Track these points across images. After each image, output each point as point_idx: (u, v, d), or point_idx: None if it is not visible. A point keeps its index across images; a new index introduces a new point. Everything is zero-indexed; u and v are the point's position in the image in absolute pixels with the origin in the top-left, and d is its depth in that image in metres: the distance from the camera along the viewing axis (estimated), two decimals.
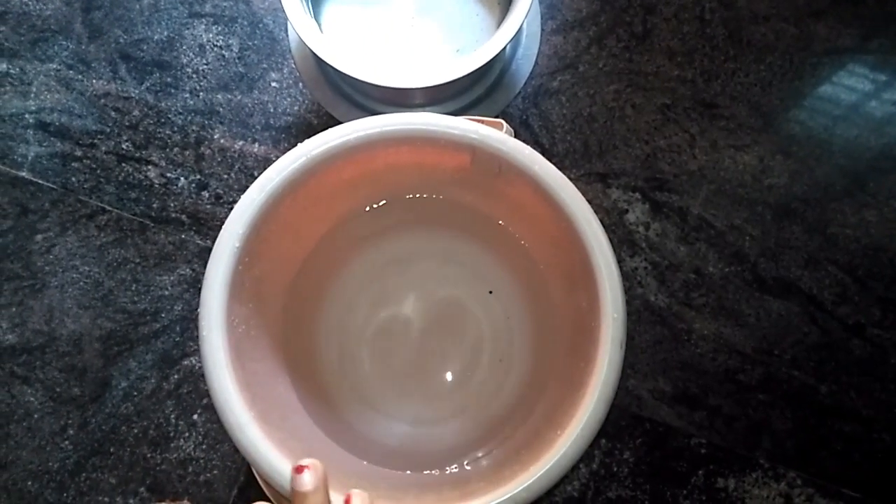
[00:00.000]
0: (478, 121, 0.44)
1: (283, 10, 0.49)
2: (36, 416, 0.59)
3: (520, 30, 0.49)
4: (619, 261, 0.61)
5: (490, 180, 0.45)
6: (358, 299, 0.51)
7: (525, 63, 0.58)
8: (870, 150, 0.62)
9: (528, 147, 0.42)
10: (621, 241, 0.61)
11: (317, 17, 0.56)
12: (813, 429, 0.58)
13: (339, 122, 0.58)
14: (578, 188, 0.61)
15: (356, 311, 0.51)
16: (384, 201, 0.52)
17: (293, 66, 0.63)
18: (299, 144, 0.42)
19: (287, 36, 0.62)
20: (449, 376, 0.51)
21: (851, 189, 0.61)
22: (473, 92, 0.57)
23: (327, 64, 0.48)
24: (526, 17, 0.49)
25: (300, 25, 0.49)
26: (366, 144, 0.43)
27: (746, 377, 0.59)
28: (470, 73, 0.48)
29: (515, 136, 0.61)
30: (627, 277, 0.60)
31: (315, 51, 0.48)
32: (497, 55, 0.49)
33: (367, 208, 0.52)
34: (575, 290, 0.44)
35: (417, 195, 0.51)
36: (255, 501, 0.31)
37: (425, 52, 0.57)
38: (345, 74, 0.49)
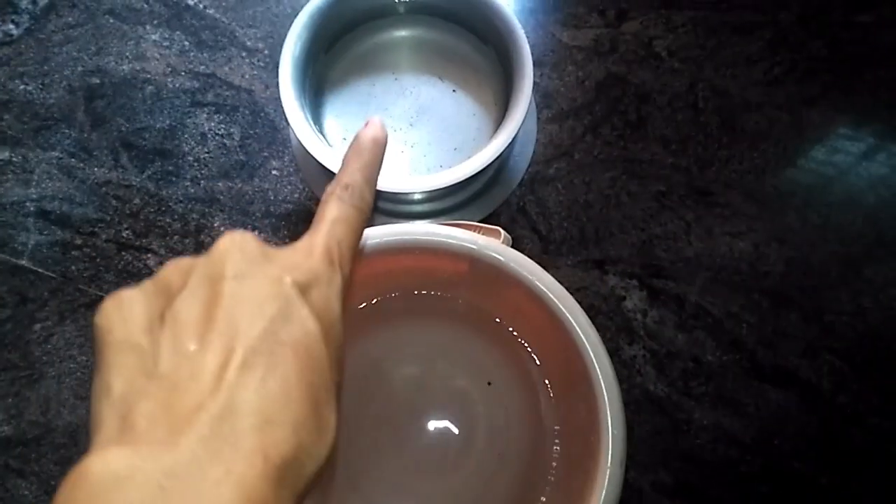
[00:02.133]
0: (476, 228, 0.45)
1: (285, 115, 0.50)
2: None
3: (517, 132, 0.50)
4: (618, 349, 0.61)
5: (488, 285, 0.46)
6: (352, 391, 0.51)
7: (522, 158, 0.59)
8: (864, 236, 0.62)
9: (526, 258, 0.43)
10: (619, 328, 0.61)
11: (317, 121, 0.57)
12: None
13: None
14: (575, 275, 0.62)
15: (351, 405, 0.51)
16: (380, 298, 0.52)
17: (294, 155, 0.64)
18: None
19: (288, 126, 0.63)
20: (446, 469, 0.51)
21: (847, 276, 0.61)
22: (472, 188, 0.58)
23: (330, 170, 0.49)
24: (523, 121, 0.49)
25: (303, 134, 0.50)
26: (363, 255, 0.43)
27: (747, 468, 0.58)
28: (467, 178, 0.49)
29: (513, 223, 0.62)
30: (626, 366, 0.60)
31: (318, 159, 0.49)
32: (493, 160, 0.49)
33: (363, 305, 0.52)
34: (574, 397, 0.44)
35: (415, 292, 0.52)
36: None
37: (424, 151, 0.58)
38: None
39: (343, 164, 0.28)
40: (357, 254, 0.27)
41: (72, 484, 0.18)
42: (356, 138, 0.28)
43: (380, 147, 0.28)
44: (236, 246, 0.23)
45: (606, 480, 0.39)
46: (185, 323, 0.21)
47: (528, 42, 0.53)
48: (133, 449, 0.18)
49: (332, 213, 0.26)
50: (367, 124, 0.28)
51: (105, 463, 0.18)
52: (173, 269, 0.24)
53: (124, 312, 0.22)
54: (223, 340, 0.21)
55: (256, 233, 0.61)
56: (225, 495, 0.18)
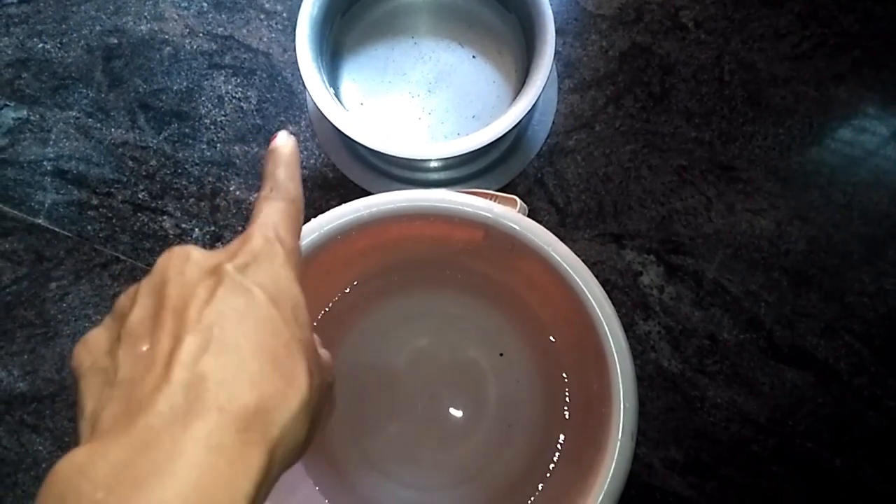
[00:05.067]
0: (492, 197, 0.44)
1: (301, 78, 0.50)
2: (44, 465, 0.59)
3: (536, 100, 0.49)
4: (633, 324, 0.60)
5: (503, 255, 0.45)
6: (366, 362, 0.51)
7: (541, 128, 0.58)
8: (889, 217, 0.61)
9: (542, 227, 0.42)
10: (635, 304, 0.60)
11: (334, 84, 0.56)
12: (827, 503, 0.57)
13: (354, 182, 0.59)
14: (592, 249, 0.61)
15: (364, 376, 0.51)
16: (395, 266, 0.52)
17: (310, 120, 0.63)
18: (313, 219, 0.42)
19: (305, 90, 0.62)
20: (457, 439, 0.51)
21: (870, 257, 0.60)
22: (490, 156, 0.57)
23: (346, 135, 0.48)
24: (543, 89, 0.48)
25: (319, 97, 0.49)
26: (378, 220, 0.42)
27: (760, 447, 0.58)
28: (485, 145, 0.48)
29: (530, 194, 0.61)
30: (640, 341, 0.60)
31: (334, 122, 0.48)
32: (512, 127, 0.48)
33: (377, 273, 0.52)
34: (587, 369, 0.44)
35: (429, 262, 0.51)
36: None
37: (442, 118, 0.57)
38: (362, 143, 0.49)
39: (263, 173, 0.30)
40: (298, 234, 0.29)
41: (45, 486, 0.20)
42: (270, 149, 0.31)
43: (290, 148, 0.31)
44: (175, 256, 0.25)
45: (616, 452, 0.38)
46: (136, 332, 0.23)
47: (552, 9, 0.52)
48: (96, 442, 0.20)
49: (262, 210, 0.28)
50: (275, 136, 0.31)
51: (70, 459, 0.19)
52: (123, 297, 0.25)
53: (89, 346, 0.24)
54: (170, 332, 0.22)
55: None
56: (185, 451, 0.19)
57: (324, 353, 0.28)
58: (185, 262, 0.25)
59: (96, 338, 0.24)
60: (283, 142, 0.30)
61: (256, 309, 0.23)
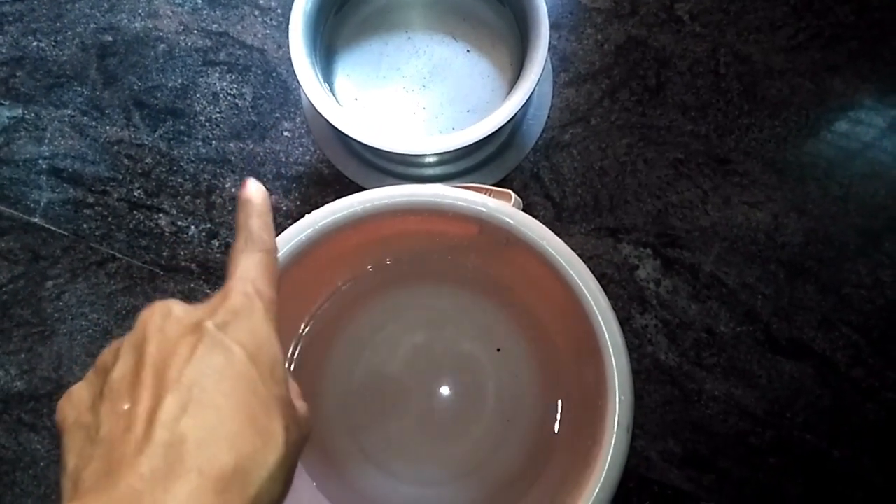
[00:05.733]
0: (486, 191, 0.44)
1: (296, 75, 0.50)
2: (42, 464, 0.59)
3: (531, 93, 0.49)
4: (629, 318, 0.60)
5: (498, 249, 0.45)
6: (362, 359, 0.51)
7: (536, 122, 0.58)
8: (886, 209, 0.61)
9: (536, 221, 0.42)
10: (631, 297, 0.60)
11: (328, 80, 0.56)
12: (825, 495, 0.57)
13: (349, 178, 0.59)
14: (589, 243, 0.61)
15: (361, 372, 0.51)
16: (390, 261, 0.51)
17: (305, 116, 0.63)
18: (307, 215, 0.42)
19: (300, 86, 0.62)
20: (456, 434, 0.51)
21: (867, 248, 0.60)
22: (485, 151, 0.57)
23: (340, 131, 0.48)
24: (538, 83, 0.48)
25: (313, 93, 0.49)
26: (373, 216, 0.42)
27: (757, 440, 0.58)
28: (480, 139, 0.48)
29: (526, 189, 0.61)
30: (637, 335, 0.60)
31: (328, 118, 0.48)
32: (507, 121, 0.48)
33: (370, 267, 0.51)
34: (582, 363, 0.44)
35: (424, 257, 0.51)
36: None
37: (437, 113, 0.57)
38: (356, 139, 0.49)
39: (237, 223, 0.30)
40: (276, 285, 0.29)
41: None
42: (240, 199, 0.31)
43: (262, 197, 0.31)
44: (156, 312, 0.25)
45: (612, 444, 0.38)
46: (118, 389, 0.23)
47: (546, 2, 0.52)
48: (78, 502, 0.21)
49: (239, 264, 0.28)
50: (244, 185, 0.31)
51: None
52: (106, 352, 0.26)
53: (73, 401, 0.25)
54: (151, 390, 0.23)
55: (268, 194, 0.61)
56: None
57: (300, 405, 0.29)
58: (166, 318, 0.25)
59: (79, 393, 0.25)
60: (254, 192, 0.31)
61: (235, 367, 0.24)
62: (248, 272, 0.28)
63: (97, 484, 0.21)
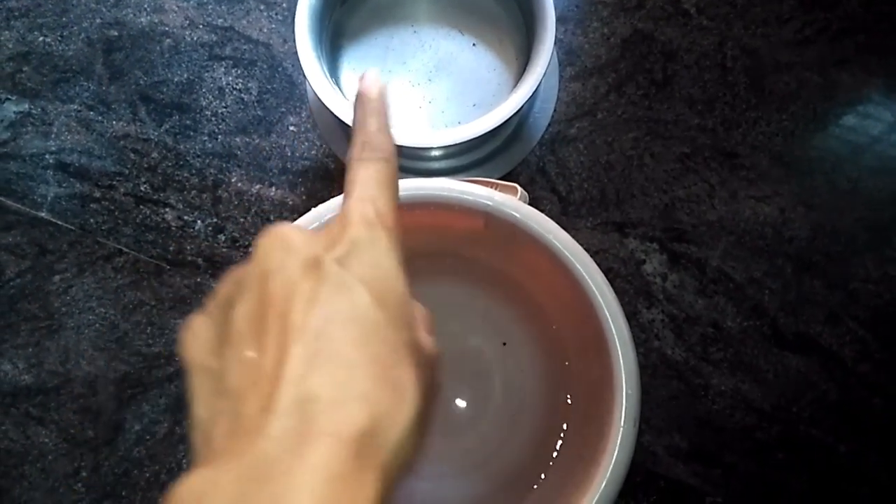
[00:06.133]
0: (492, 185, 0.44)
1: (301, 69, 0.49)
2: (50, 457, 0.59)
3: (537, 86, 0.49)
4: (636, 312, 0.60)
5: (504, 243, 0.45)
6: None
7: (542, 116, 0.58)
8: (894, 203, 0.60)
9: (543, 215, 0.42)
10: (638, 292, 0.60)
11: (334, 74, 0.56)
12: (831, 490, 0.57)
13: None
14: (595, 237, 0.61)
15: None
16: None
17: (311, 111, 0.63)
18: (313, 209, 0.42)
19: (305, 81, 0.62)
20: (463, 429, 0.51)
21: (875, 243, 0.60)
22: (491, 145, 0.57)
23: (347, 125, 0.48)
24: (544, 76, 0.48)
25: (319, 87, 0.49)
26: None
27: (764, 435, 0.58)
28: (486, 132, 0.48)
29: (532, 183, 0.61)
30: (644, 330, 0.60)
31: (335, 112, 0.48)
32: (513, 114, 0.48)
33: None
34: (589, 357, 0.44)
35: (430, 251, 0.51)
36: None
37: (442, 107, 0.57)
38: None
39: (354, 123, 0.28)
40: (396, 203, 0.26)
41: None
42: (358, 94, 0.28)
43: (382, 94, 0.28)
44: (275, 242, 0.23)
45: (619, 439, 0.38)
46: (242, 333, 0.22)
47: None
48: (211, 466, 0.19)
49: (358, 176, 0.26)
50: (363, 77, 0.28)
51: (187, 486, 0.19)
52: (227, 281, 0.24)
53: (198, 338, 0.23)
54: (277, 340, 0.21)
55: (273, 189, 0.61)
56: (303, 483, 0.18)
57: (426, 342, 0.26)
58: (286, 252, 0.23)
59: (203, 328, 0.23)
60: (371, 84, 0.27)
61: (361, 311, 0.22)
62: (367, 189, 0.25)
63: (227, 446, 0.20)
